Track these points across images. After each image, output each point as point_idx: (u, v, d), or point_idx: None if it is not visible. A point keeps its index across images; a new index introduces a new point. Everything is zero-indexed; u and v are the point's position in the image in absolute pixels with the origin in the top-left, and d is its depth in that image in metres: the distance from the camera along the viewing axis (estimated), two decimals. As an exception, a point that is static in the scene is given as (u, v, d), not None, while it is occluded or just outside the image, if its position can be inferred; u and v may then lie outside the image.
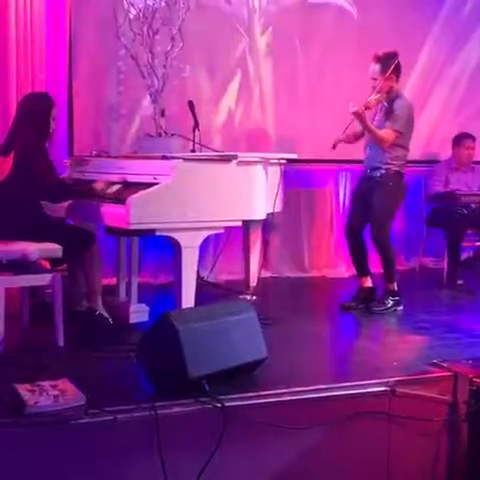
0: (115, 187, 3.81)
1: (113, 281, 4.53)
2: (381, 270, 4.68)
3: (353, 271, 5.04)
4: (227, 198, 3.77)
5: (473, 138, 5.78)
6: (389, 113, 4.49)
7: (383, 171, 4.52)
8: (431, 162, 6.06)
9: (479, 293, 5.13)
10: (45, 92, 4.16)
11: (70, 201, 4.03)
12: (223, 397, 2.77)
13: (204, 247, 4.60)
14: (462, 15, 6.27)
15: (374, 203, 4.51)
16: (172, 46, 4.41)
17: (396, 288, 4.62)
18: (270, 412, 2.84)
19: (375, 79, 4.45)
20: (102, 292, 3.96)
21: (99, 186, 3.85)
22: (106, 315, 3.90)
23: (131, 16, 4.49)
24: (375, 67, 4.45)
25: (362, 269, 4.70)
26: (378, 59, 4.44)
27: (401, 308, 4.59)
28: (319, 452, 2.93)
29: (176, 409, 2.72)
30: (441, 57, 6.22)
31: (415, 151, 6.19)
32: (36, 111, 3.83)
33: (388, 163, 4.51)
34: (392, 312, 4.54)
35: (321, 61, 5.79)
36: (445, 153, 5.98)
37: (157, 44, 4.41)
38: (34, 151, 3.73)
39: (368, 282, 4.68)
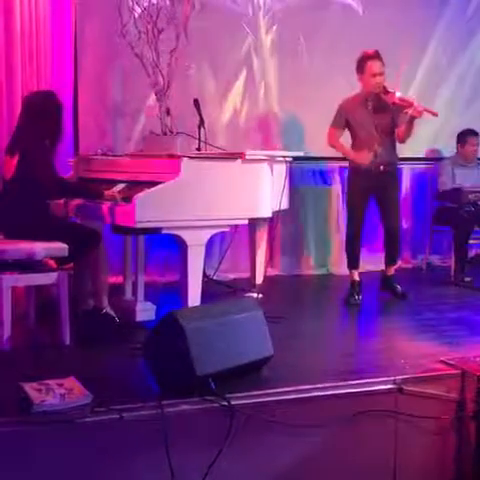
0: (120, 186, 3.80)
1: (119, 280, 4.53)
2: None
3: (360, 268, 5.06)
4: (233, 196, 3.76)
5: (477, 134, 5.76)
6: (396, 111, 4.56)
7: (395, 166, 4.82)
8: (436, 160, 6.05)
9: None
10: (52, 92, 4.08)
11: (76, 200, 4.03)
12: (229, 395, 2.77)
13: (210, 245, 4.60)
14: (467, 14, 6.27)
15: (391, 195, 4.78)
16: (177, 44, 4.41)
17: None
18: (277, 410, 2.83)
19: (383, 74, 4.56)
20: (108, 291, 3.96)
21: (109, 194, 3.77)
22: (112, 314, 3.90)
23: (136, 14, 4.48)
24: (380, 63, 4.56)
25: (358, 262, 4.87)
26: (380, 56, 4.57)
27: None
28: (326, 450, 2.92)
29: (182, 407, 2.72)
30: (446, 55, 6.21)
31: (421, 149, 6.21)
32: (45, 113, 3.81)
33: (397, 158, 4.84)
34: None
35: (326, 59, 5.78)
36: (450, 151, 5.96)
37: (162, 42, 4.40)
38: (38, 155, 3.72)
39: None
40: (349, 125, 4.71)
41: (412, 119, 4.48)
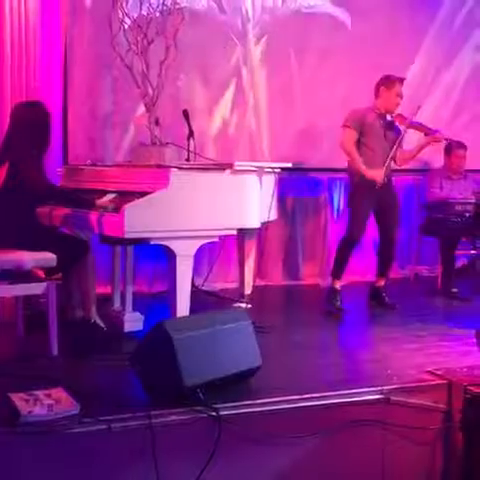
0: (110, 196, 3.80)
1: (108, 290, 4.52)
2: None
3: (347, 279, 5.09)
4: (222, 207, 3.77)
5: (464, 147, 5.82)
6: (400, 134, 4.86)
7: (392, 177, 4.95)
8: (423, 171, 6.09)
9: (473, 301, 5.14)
10: (40, 102, 4.09)
11: (65, 210, 4.03)
12: (218, 406, 2.77)
13: (199, 255, 4.60)
14: (455, 23, 6.34)
15: (394, 205, 4.93)
16: (167, 55, 4.42)
17: None
18: (265, 420, 2.84)
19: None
20: (97, 301, 3.95)
21: (101, 203, 3.75)
22: (101, 324, 3.90)
23: (126, 26, 4.49)
24: None
25: (343, 273, 4.91)
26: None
27: None
28: (314, 460, 2.93)
29: (171, 418, 2.72)
30: (434, 65, 6.27)
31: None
32: (34, 123, 3.82)
33: None
34: None
35: (315, 70, 5.82)
36: (438, 162, 6.01)
37: (152, 53, 4.41)
38: (28, 163, 3.72)
39: None
40: (361, 133, 4.77)
41: (427, 145, 4.95)
